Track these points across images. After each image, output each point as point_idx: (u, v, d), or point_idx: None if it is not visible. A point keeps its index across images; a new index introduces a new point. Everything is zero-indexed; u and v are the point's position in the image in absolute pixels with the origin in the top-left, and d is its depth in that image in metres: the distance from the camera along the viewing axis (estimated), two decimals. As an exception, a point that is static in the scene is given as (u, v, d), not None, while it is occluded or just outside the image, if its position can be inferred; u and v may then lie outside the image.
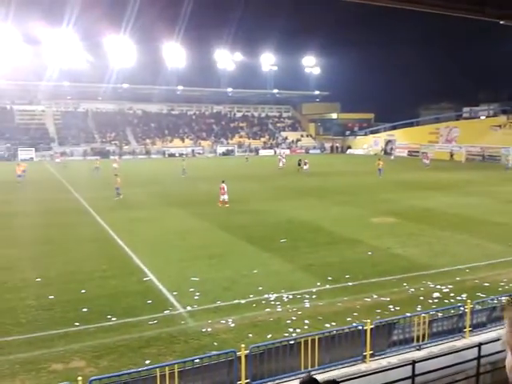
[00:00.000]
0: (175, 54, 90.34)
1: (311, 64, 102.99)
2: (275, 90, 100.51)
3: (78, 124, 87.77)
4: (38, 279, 14.94)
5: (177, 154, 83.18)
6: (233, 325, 11.55)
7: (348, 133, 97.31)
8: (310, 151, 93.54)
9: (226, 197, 28.47)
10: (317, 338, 9.25)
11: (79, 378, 7.50)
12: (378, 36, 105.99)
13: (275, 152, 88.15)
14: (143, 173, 51.68)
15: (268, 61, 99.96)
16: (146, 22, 78.41)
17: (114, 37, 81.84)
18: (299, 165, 49.92)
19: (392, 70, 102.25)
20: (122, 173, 38.22)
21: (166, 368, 7.94)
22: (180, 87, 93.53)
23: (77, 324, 11.55)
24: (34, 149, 75.90)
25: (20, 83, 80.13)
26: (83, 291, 13.83)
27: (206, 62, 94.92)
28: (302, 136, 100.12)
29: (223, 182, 28.82)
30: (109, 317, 11.96)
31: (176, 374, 7.91)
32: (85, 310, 12.42)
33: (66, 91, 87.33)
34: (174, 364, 8.09)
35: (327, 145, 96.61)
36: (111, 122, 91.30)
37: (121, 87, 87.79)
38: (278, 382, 8.90)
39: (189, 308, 12.60)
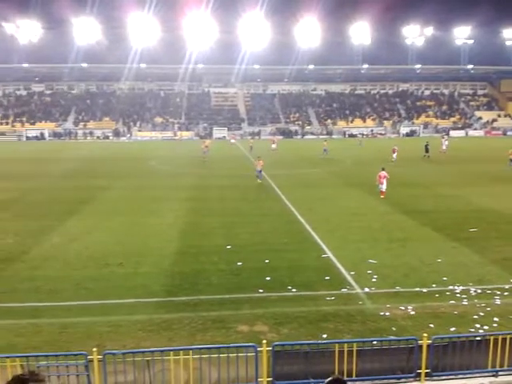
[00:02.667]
0: (360, 31, 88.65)
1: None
2: (470, 66, 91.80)
3: (266, 105, 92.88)
4: (229, 246, 16.42)
5: (359, 135, 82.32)
6: (412, 312, 11.15)
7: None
8: (508, 133, 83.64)
9: (383, 186, 24.85)
10: (508, 337, 8.41)
11: (264, 341, 8.06)
12: None
13: (466, 134, 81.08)
14: (313, 153, 51.37)
15: (462, 34, 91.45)
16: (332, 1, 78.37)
17: (302, 18, 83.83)
18: (426, 150, 43.20)
19: None
20: (292, 152, 38.59)
21: (345, 345, 8.05)
22: (365, 66, 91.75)
23: (261, 291, 12.43)
24: (226, 128, 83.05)
25: (216, 67, 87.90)
26: (267, 261, 14.78)
27: (393, 38, 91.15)
28: (499, 116, 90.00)
29: (383, 169, 25.68)
30: (289, 287, 12.60)
31: (354, 353, 7.98)
32: (268, 278, 13.28)
33: (256, 74, 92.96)
34: (353, 342, 8.17)
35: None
36: (295, 103, 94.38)
37: (306, 68, 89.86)
38: (460, 377, 8.37)
39: (366, 289, 12.53)
